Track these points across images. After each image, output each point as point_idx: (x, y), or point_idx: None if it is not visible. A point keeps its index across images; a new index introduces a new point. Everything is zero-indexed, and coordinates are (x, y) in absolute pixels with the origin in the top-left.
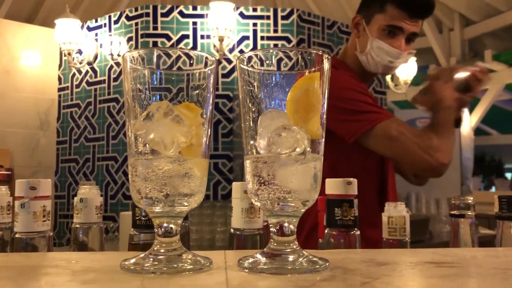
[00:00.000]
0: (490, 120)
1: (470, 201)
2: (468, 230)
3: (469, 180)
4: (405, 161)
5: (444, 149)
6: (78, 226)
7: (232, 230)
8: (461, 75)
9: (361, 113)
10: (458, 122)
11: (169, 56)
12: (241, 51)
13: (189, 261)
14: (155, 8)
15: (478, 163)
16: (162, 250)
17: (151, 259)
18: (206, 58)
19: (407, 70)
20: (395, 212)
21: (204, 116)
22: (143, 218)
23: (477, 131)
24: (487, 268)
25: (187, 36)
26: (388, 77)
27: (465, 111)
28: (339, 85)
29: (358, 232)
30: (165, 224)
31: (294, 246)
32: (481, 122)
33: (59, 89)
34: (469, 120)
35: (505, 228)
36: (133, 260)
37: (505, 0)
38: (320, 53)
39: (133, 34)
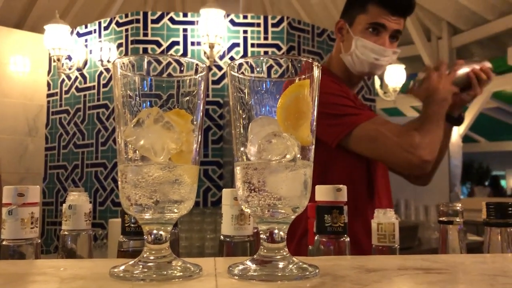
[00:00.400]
0: (478, 127)
1: (458, 208)
2: (456, 237)
3: (457, 187)
4: (387, 161)
5: (426, 146)
6: (66, 233)
7: (222, 237)
8: (463, 70)
9: (340, 117)
10: (459, 120)
11: (159, 62)
12: (232, 58)
13: (178, 268)
14: (145, 15)
15: (466, 170)
16: (152, 257)
17: (141, 266)
18: (197, 64)
19: (396, 77)
20: (384, 219)
21: (195, 122)
22: (132, 225)
23: (465, 139)
24: (475, 274)
25: (177, 43)
26: (377, 85)
27: None
28: (320, 90)
29: (348, 239)
30: (154, 231)
31: (284, 253)
32: (469, 129)
33: (48, 95)
34: (458, 128)
35: (492, 234)
36: (122, 267)
37: (492, 10)
38: (310, 61)
39: (123, 41)
